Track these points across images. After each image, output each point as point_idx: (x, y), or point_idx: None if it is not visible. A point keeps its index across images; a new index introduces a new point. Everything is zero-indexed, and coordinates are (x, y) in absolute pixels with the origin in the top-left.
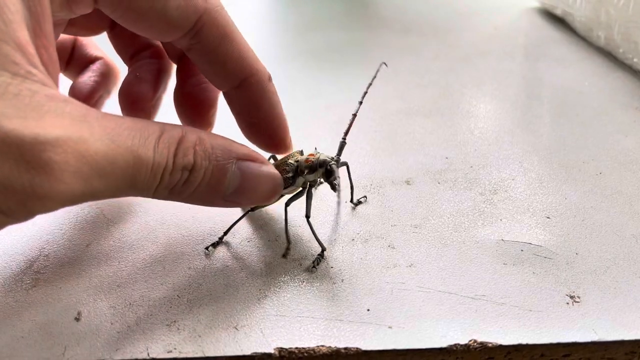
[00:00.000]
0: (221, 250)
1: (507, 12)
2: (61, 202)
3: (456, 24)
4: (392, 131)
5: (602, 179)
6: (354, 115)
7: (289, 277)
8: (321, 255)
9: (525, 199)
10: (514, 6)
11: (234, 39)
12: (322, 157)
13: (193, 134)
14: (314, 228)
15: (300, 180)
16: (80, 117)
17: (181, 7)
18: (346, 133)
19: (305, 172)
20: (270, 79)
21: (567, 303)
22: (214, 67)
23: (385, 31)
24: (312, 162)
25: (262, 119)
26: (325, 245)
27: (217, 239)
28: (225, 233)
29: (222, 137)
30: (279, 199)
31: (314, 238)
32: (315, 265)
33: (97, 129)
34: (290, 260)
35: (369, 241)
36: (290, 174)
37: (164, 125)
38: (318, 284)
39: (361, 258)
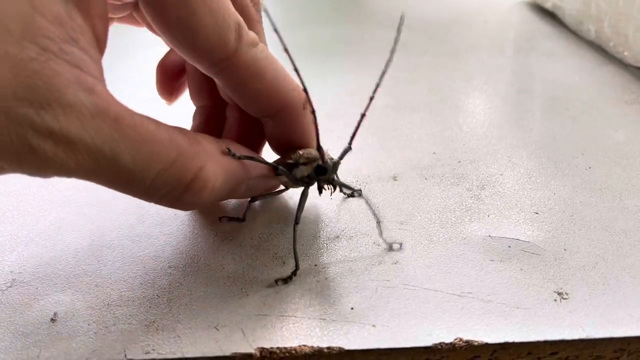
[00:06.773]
0: (202, 248)
1: (497, 6)
2: None
3: (446, 19)
4: (380, 127)
5: (592, 174)
6: (363, 115)
7: (271, 276)
8: (294, 274)
9: (513, 194)
10: (504, 0)
11: (265, 76)
12: (314, 153)
13: (211, 163)
14: (297, 240)
15: (297, 172)
16: (95, 113)
17: (210, 43)
18: (352, 137)
19: (300, 165)
20: (305, 105)
21: (555, 300)
22: (243, 101)
23: (373, 26)
24: (308, 157)
25: (292, 144)
26: (302, 254)
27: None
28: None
29: (233, 161)
30: (282, 191)
31: (293, 251)
32: (286, 281)
33: (106, 130)
34: (272, 258)
35: (354, 238)
36: (291, 161)
37: (179, 150)
38: (301, 283)
39: (346, 255)
